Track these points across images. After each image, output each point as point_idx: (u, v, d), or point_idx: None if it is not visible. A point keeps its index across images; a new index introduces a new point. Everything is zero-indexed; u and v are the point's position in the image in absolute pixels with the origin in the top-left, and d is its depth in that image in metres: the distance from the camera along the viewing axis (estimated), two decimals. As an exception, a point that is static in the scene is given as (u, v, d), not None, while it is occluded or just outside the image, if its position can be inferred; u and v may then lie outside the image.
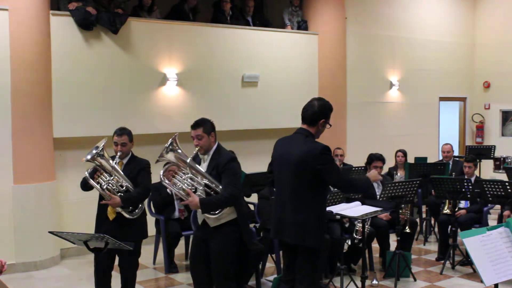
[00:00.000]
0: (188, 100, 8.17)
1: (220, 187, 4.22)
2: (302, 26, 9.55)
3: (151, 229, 6.98)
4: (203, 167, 4.34)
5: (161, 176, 4.31)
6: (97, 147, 4.59)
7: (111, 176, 4.64)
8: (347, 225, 6.11)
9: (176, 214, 6.78)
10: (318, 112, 4.03)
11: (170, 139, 4.27)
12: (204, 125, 4.33)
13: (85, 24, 7.18)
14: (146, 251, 7.17)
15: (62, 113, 7.13)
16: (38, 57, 6.78)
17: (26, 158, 6.70)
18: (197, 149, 4.32)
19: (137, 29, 7.70)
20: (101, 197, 4.73)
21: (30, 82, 6.69)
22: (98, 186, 4.60)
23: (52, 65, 7.01)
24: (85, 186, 4.77)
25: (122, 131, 4.81)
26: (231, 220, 4.29)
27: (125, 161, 4.83)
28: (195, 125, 4.35)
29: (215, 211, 4.21)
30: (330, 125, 4.13)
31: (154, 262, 6.98)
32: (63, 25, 7.12)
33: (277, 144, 4.31)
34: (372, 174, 4.42)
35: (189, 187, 4.21)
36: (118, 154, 4.74)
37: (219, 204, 4.18)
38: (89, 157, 4.56)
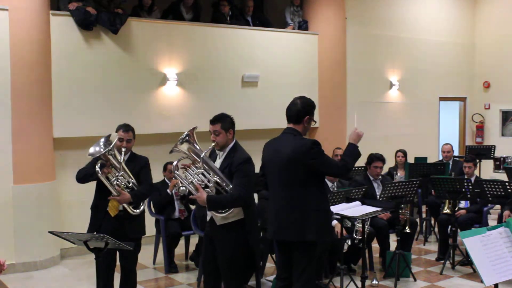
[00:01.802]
0: (188, 100, 8.17)
1: (231, 186, 4.16)
2: (303, 26, 9.56)
3: (151, 229, 6.99)
4: (217, 163, 4.30)
5: (173, 167, 4.25)
6: (109, 143, 4.56)
7: (119, 172, 4.65)
8: (349, 225, 6.10)
9: (176, 214, 6.78)
10: (301, 110, 4.13)
11: (187, 131, 4.23)
12: (222, 121, 4.26)
13: (85, 24, 7.18)
14: (146, 251, 7.16)
15: (62, 113, 7.12)
16: (38, 57, 6.78)
17: (26, 158, 6.69)
18: (213, 144, 4.27)
19: (137, 29, 7.70)
20: (99, 193, 4.73)
21: (30, 81, 6.69)
22: (107, 182, 4.59)
23: (52, 65, 7.02)
24: (83, 178, 4.75)
25: (128, 127, 4.84)
26: (238, 220, 4.21)
27: (126, 157, 4.82)
28: (214, 120, 4.28)
29: (222, 210, 4.16)
30: (315, 122, 4.23)
31: (154, 262, 6.98)
32: (63, 25, 7.12)
33: (266, 146, 4.35)
34: (352, 135, 4.34)
35: (199, 182, 4.15)
36: (123, 150, 4.74)
37: (226, 203, 4.13)
38: (97, 152, 4.52)
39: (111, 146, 4.56)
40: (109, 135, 4.68)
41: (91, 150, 4.58)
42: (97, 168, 4.57)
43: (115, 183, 4.60)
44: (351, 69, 9.96)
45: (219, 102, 8.35)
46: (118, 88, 7.58)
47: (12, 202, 6.68)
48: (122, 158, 4.70)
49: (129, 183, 4.70)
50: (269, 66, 8.90)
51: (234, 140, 4.36)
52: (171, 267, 6.65)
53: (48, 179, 6.93)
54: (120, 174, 4.64)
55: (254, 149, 8.74)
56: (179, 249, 6.98)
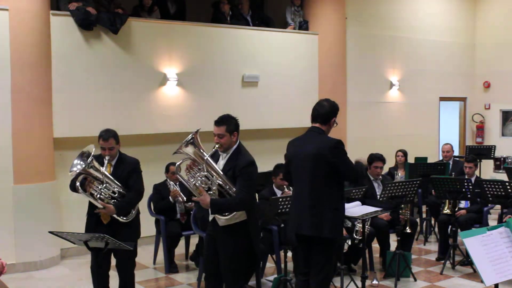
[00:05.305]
0: (188, 100, 8.17)
1: (233, 189, 4.15)
2: (304, 26, 9.55)
3: (151, 229, 6.99)
4: (220, 165, 4.28)
5: (176, 168, 4.20)
6: (86, 157, 4.42)
7: (103, 184, 4.53)
8: (349, 225, 6.10)
9: (178, 216, 6.75)
10: (330, 112, 4.31)
11: (192, 134, 4.18)
12: (228, 124, 4.24)
13: (85, 24, 7.17)
14: (146, 251, 7.19)
15: (62, 113, 7.12)
16: (38, 57, 6.78)
17: (26, 158, 6.69)
18: (216, 146, 4.23)
19: (137, 29, 7.70)
20: (91, 203, 4.66)
21: (30, 82, 6.69)
22: (90, 197, 4.50)
23: (52, 65, 7.01)
24: (74, 190, 4.65)
25: (108, 135, 4.68)
26: (240, 222, 4.22)
27: (113, 162, 4.72)
28: (219, 122, 4.25)
29: (225, 213, 4.17)
30: (337, 123, 4.39)
31: (154, 262, 6.98)
32: (63, 25, 7.12)
33: (290, 143, 4.49)
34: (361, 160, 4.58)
35: (203, 185, 4.13)
36: (107, 158, 4.64)
37: (229, 207, 4.14)
38: (77, 169, 4.39)
39: (89, 160, 4.39)
40: (83, 151, 4.51)
41: (73, 168, 4.44)
42: (78, 185, 4.44)
43: (98, 197, 4.50)
44: (351, 69, 9.96)
45: (219, 102, 8.34)
46: (118, 88, 7.57)
47: (12, 202, 6.68)
48: (105, 167, 4.58)
49: (115, 193, 4.60)
50: (269, 66, 8.89)
51: (238, 142, 4.34)
52: (171, 267, 6.65)
53: (48, 179, 6.93)
54: (103, 186, 4.52)
55: (254, 149, 8.77)
56: (179, 249, 6.98)
